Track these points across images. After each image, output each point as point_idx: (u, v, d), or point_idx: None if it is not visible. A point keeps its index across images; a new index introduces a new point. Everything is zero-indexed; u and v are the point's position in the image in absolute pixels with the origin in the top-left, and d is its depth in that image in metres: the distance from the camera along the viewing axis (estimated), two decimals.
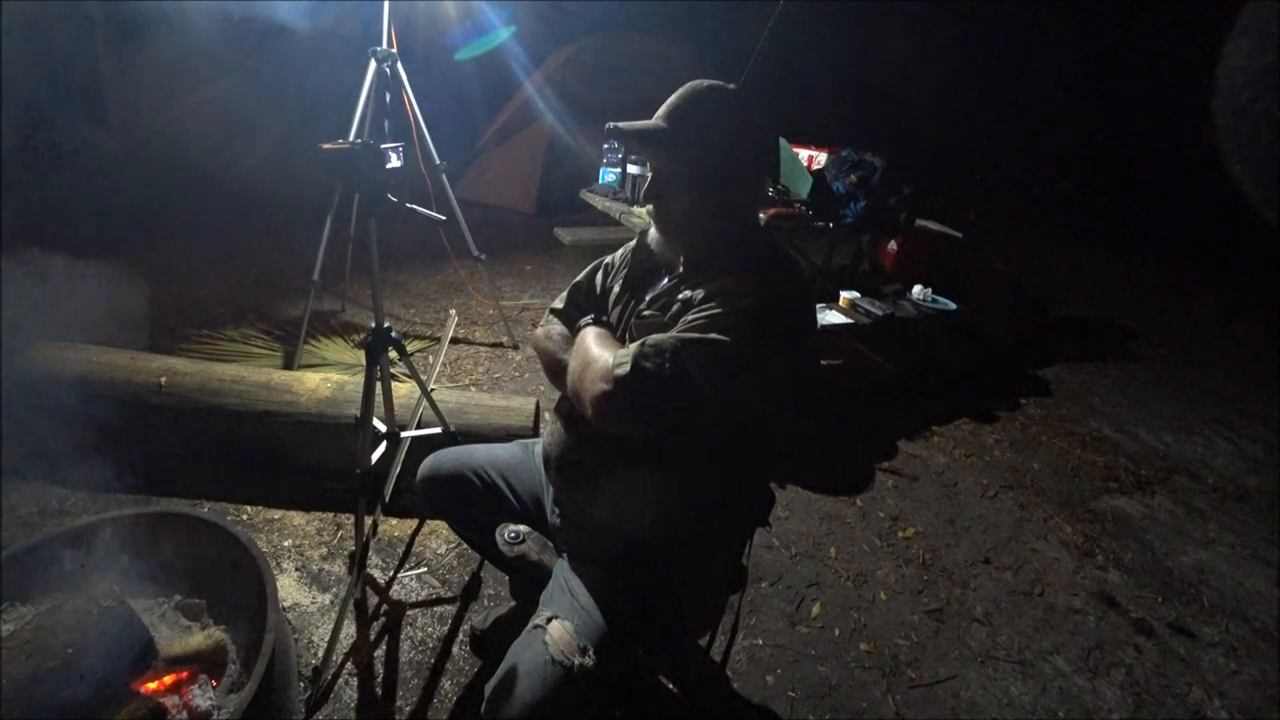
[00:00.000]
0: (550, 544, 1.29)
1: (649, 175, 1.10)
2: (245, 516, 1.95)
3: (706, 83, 1.06)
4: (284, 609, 1.63)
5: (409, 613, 1.69)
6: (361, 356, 2.61)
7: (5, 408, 1.61)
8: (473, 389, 2.76)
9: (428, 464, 1.39)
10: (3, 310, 1.56)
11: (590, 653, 1.00)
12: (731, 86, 1.06)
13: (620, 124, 1.05)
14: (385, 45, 2.32)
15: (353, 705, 1.44)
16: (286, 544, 1.86)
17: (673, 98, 1.06)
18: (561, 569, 1.19)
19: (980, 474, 2.65)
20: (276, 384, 2.08)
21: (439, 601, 1.74)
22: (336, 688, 1.47)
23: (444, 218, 1.52)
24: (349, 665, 1.52)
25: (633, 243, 1.27)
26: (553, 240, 3.76)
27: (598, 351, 1.03)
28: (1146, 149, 8.29)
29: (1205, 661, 1.87)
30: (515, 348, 3.19)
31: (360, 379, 1.91)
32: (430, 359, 2.86)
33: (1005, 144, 7.89)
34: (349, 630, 1.60)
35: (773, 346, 0.98)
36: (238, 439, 2.04)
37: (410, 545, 1.91)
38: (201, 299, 3.25)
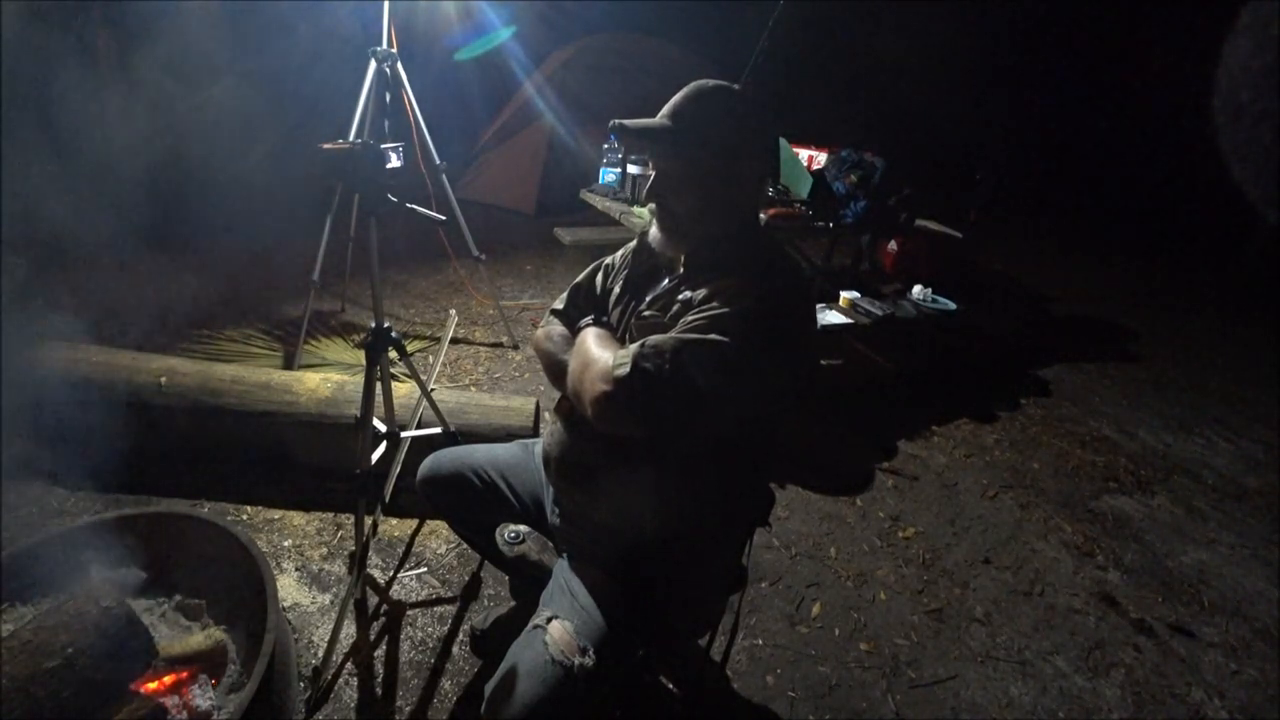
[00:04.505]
0: (550, 544, 1.30)
1: (650, 175, 1.10)
2: (245, 516, 1.95)
3: (711, 83, 1.06)
4: (284, 609, 1.63)
5: (409, 613, 1.69)
6: (361, 356, 2.61)
7: (6, 407, 1.61)
8: (473, 389, 2.76)
9: (427, 464, 1.39)
10: (2, 310, 1.56)
11: (590, 653, 1.00)
12: (735, 87, 1.06)
13: (624, 121, 1.05)
14: (385, 45, 2.32)
15: (353, 705, 1.44)
16: (286, 544, 1.86)
17: (677, 97, 1.06)
18: (561, 569, 1.19)
19: (980, 474, 2.65)
20: (276, 384, 2.08)
21: (439, 601, 1.74)
22: (336, 688, 1.47)
23: (444, 218, 1.52)
24: (349, 665, 1.52)
25: (633, 243, 1.27)
26: (553, 240, 3.75)
27: (598, 352, 1.03)
28: (1146, 148, 8.28)
29: (1205, 661, 1.87)
30: (515, 348, 3.19)
31: (360, 379, 1.91)
32: (430, 359, 2.86)
33: (1005, 144, 7.90)
34: (349, 630, 1.60)
35: (773, 347, 0.97)
36: (238, 439, 2.04)
37: (410, 545, 1.91)
38: (202, 299, 3.25)
